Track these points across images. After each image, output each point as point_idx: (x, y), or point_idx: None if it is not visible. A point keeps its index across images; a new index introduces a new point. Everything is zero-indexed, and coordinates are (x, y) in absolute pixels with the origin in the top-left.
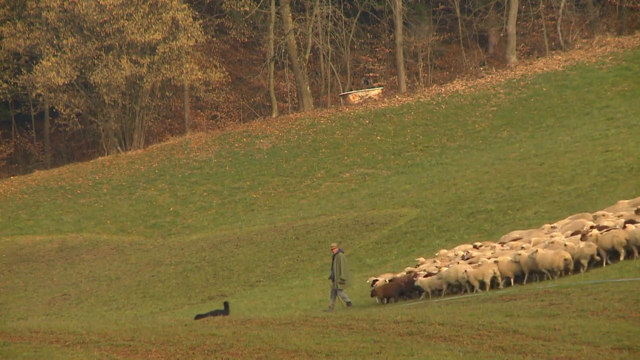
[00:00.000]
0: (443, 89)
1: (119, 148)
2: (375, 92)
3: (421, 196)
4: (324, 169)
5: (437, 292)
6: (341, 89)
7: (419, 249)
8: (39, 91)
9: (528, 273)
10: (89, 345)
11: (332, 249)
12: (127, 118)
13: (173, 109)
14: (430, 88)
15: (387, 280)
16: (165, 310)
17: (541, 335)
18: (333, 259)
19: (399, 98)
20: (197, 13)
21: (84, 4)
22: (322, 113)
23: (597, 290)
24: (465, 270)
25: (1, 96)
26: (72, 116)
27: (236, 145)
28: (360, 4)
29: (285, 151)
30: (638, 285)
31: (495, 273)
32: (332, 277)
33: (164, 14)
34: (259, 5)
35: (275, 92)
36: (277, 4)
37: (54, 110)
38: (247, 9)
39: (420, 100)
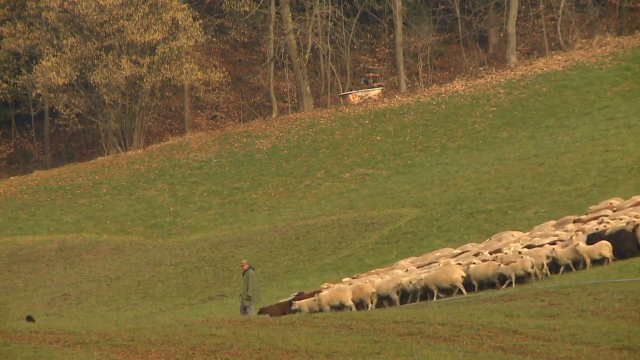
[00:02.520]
0: (443, 89)
1: (118, 148)
2: (375, 92)
3: (421, 196)
4: (323, 169)
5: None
6: (341, 89)
7: (419, 249)
8: (39, 91)
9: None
10: (89, 345)
11: (242, 266)
12: (127, 118)
13: (173, 109)
14: (430, 88)
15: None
16: (165, 311)
17: (541, 335)
18: (243, 275)
19: (399, 98)
20: (197, 13)
21: (84, 4)
22: (322, 113)
23: (597, 290)
24: (318, 300)
25: (1, 96)
26: (72, 116)
27: (236, 145)
28: (360, 4)
29: (285, 151)
30: (638, 285)
31: (356, 298)
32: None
33: (163, 14)
34: (258, 5)
35: (275, 92)
36: (277, 4)
37: (54, 110)
38: (247, 9)
39: (420, 100)
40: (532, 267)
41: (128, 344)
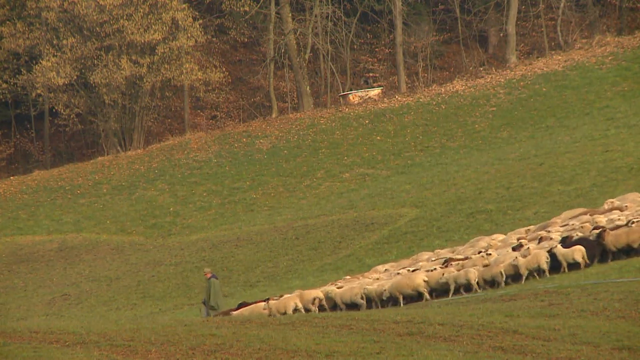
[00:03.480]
0: (443, 89)
1: (118, 148)
2: (375, 92)
3: (421, 196)
4: (323, 169)
5: None
6: (341, 89)
7: (419, 249)
8: (38, 91)
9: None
10: (89, 345)
11: (205, 274)
12: (127, 118)
13: (173, 109)
14: (430, 88)
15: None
16: (165, 311)
17: (541, 335)
18: (207, 284)
19: (399, 98)
20: (197, 13)
21: (83, 4)
22: (322, 113)
23: (597, 290)
24: (268, 307)
25: (1, 96)
26: (72, 116)
27: (236, 145)
28: (360, 4)
29: (285, 151)
30: (638, 285)
31: (297, 305)
32: (204, 302)
33: (163, 14)
34: (258, 6)
35: (275, 92)
36: (277, 4)
37: (54, 110)
38: (247, 9)
39: (420, 100)
40: (476, 279)
41: (128, 344)
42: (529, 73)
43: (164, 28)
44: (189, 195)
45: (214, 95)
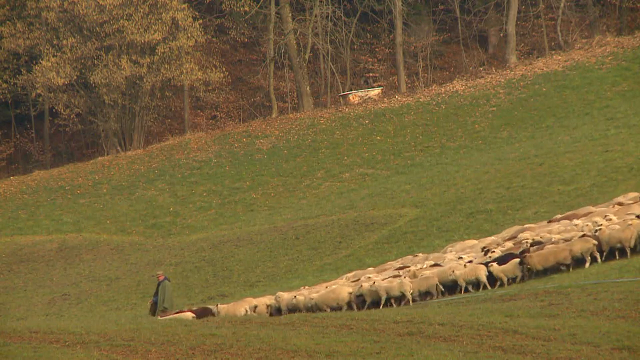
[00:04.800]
0: (443, 89)
1: (118, 148)
2: (375, 92)
3: (421, 196)
4: (323, 169)
5: None
6: (341, 89)
7: (419, 249)
8: (38, 91)
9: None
10: (89, 345)
11: (157, 277)
12: (127, 118)
13: (173, 109)
14: (430, 88)
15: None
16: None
17: (541, 335)
18: (158, 286)
19: (399, 98)
20: (196, 13)
21: (83, 4)
22: (322, 113)
23: (597, 290)
24: (218, 310)
25: (1, 96)
26: (72, 116)
27: (236, 145)
28: (360, 4)
29: (285, 151)
30: (638, 285)
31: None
32: (154, 302)
33: (163, 14)
34: (258, 5)
35: (275, 92)
36: (277, 4)
37: (54, 110)
38: (247, 9)
39: (420, 100)
40: (411, 291)
41: (128, 343)
42: (529, 73)
43: (164, 28)
44: (189, 195)
45: (214, 95)
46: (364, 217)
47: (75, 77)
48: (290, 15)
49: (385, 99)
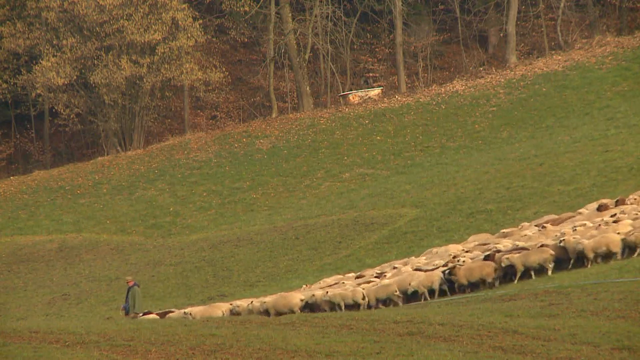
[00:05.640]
0: (443, 89)
1: (118, 148)
2: (375, 92)
3: (421, 196)
4: (323, 169)
5: None
6: (341, 89)
7: (419, 249)
8: (38, 91)
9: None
10: (89, 345)
11: (127, 282)
12: (127, 118)
13: (173, 109)
14: (430, 88)
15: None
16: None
17: (541, 335)
18: (128, 292)
19: (399, 98)
20: (197, 13)
21: (83, 4)
22: (321, 113)
23: (597, 290)
24: (190, 314)
25: (1, 96)
26: (72, 116)
27: (236, 145)
28: (360, 4)
29: (285, 151)
30: (638, 285)
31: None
32: (125, 308)
33: (163, 14)
34: (258, 5)
35: (275, 92)
36: (277, 4)
37: (54, 110)
38: (247, 9)
39: (420, 100)
40: (364, 299)
41: (128, 343)
42: (529, 73)
43: (164, 28)
44: (189, 195)
45: (214, 95)
46: (364, 217)
47: (75, 77)
48: (290, 15)
49: (385, 99)
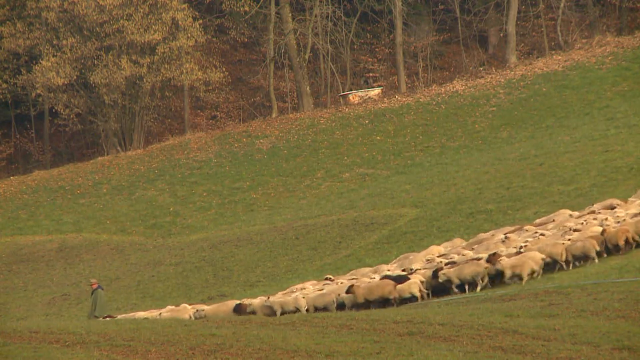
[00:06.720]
0: (443, 89)
1: (118, 148)
2: (375, 92)
3: (421, 196)
4: (323, 169)
5: None
6: (341, 89)
7: (419, 249)
8: (38, 91)
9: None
10: (89, 345)
11: (91, 285)
12: (127, 118)
13: (173, 109)
14: (430, 88)
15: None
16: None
17: (541, 335)
18: (92, 294)
19: (399, 98)
20: (197, 13)
21: (83, 4)
22: (321, 113)
23: (597, 290)
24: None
25: (1, 96)
26: (71, 116)
27: (236, 145)
28: (360, 4)
29: (285, 151)
30: (638, 285)
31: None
32: (91, 312)
33: (163, 14)
34: (258, 5)
35: (275, 92)
36: (277, 4)
37: (54, 110)
38: (247, 9)
39: (420, 100)
40: (305, 307)
41: (128, 343)
42: (529, 73)
43: (164, 28)
44: (189, 195)
45: (214, 95)
46: (364, 217)
47: (75, 77)
48: (290, 15)
49: (385, 99)
